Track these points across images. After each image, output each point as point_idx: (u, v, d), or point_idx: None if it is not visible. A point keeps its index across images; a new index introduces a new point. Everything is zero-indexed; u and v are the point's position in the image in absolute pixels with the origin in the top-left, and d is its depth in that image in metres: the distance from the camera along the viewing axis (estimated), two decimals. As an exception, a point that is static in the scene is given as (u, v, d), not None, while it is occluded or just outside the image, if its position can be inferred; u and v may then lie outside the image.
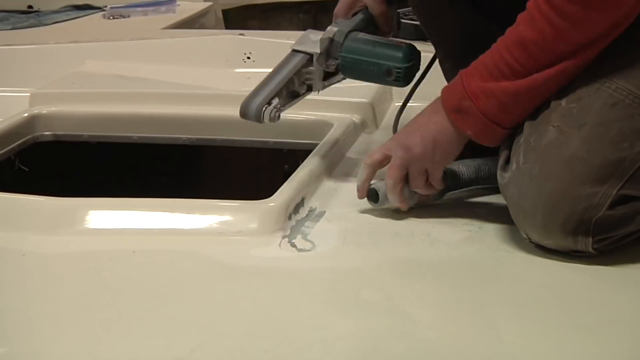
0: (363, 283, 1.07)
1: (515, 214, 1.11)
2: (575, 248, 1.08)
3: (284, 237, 1.17)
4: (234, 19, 2.95)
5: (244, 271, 1.10)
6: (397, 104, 1.58)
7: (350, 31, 1.31)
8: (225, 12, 2.89)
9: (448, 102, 1.15)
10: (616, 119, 1.05)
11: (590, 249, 1.07)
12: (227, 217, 1.20)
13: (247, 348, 0.92)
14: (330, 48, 1.30)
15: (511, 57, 1.08)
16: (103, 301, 1.02)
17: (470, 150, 1.22)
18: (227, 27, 2.82)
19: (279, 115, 1.27)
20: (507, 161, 1.14)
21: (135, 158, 1.85)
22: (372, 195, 1.24)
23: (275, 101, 1.27)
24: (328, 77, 1.33)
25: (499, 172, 1.15)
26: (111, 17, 2.60)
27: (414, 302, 1.02)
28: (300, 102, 1.66)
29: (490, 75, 1.10)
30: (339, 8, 1.36)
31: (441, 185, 1.22)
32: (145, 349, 0.93)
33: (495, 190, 1.21)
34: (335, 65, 1.31)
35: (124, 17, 2.61)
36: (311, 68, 1.32)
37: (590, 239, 1.06)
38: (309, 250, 1.15)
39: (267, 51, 2.00)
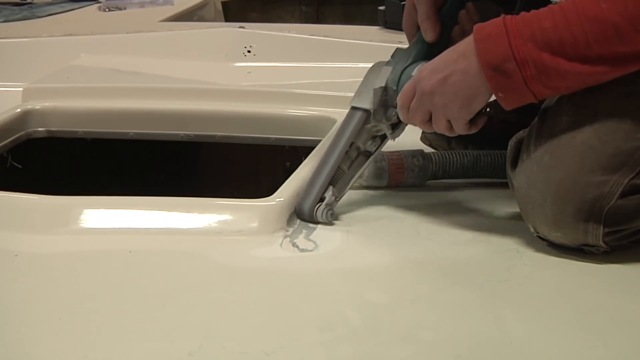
0: (367, 284, 1.07)
1: (524, 205, 1.11)
2: (585, 240, 1.08)
3: (285, 237, 1.17)
4: (234, 11, 2.95)
5: (244, 272, 1.11)
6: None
7: (405, 68, 1.20)
8: (225, 4, 2.90)
9: (486, 56, 1.05)
10: (630, 110, 1.06)
11: (601, 242, 1.08)
12: (226, 216, 1.20)
13: (248, 351, 0.92)
14: (386, 98, 1.21)
15: (582, 35, 0.99)
16: (98, 303, 1.02)
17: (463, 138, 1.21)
18: (226, 20, 2.82)
19: (332, 214, 1.21)
20: (517, 154, 1.14)
21: (131, 155, 1.86)
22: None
23: (329, 194, 1.21)
24: (397, 126, 1.23)
25: (508, 166, 1.15)
26: (107, 10, 2.61)
27: (420, 303, 1.03)
28: (301, 99, 1.67)
29: (547, 46, 1.01)
30: (405, 25, 1.27)
31: (466, 132, 1.13)
32: (142, 353, 0.93)
33: (502, 185, 1.21)
34: (396, 114, 1.20)
35: (120, 9, 2.61)
36: (374, 124, 1.23)
37: (601, 229, 1.06)
38: (311, 250, 1.15)
39: (268, 44, 2.01)
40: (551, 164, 1.08)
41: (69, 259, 1.15)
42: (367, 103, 1.22)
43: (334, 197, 1.22)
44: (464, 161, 1.33)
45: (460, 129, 1.13)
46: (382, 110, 1.21)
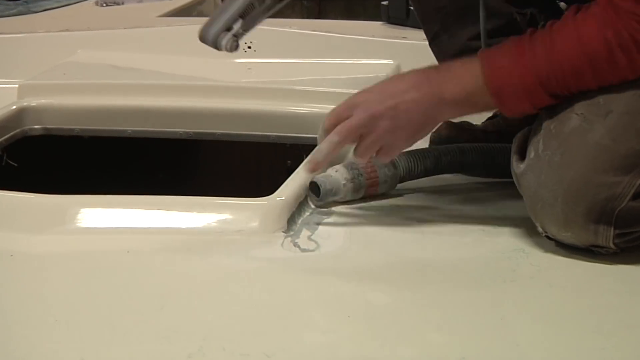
0: (370, 285, 1.07)
1: (533, 204, 1.11)
2: (595, 242, 1.08)
3: (286, 237, 1.17)
4: (234, 7, 2.95)
5: (245, 272, 1.11)
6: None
7: None
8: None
9: (513, 110, 1.12)
10: None
11: (611, 244, 1.08)
12: (226, 216, 1.20)
13: (248, 353, 0.92)
14: None
15: (565, 82, 1.08)
16: (95, 304, 1.03)
17: None
18: (226, 15, 2.82)
19: (237, 45, 1.21)
20: (522, 151, 1.14)
21: (129, 153, 1.86)
22: (314, 188, 1.25)
23: (238, 25, 1.20)
24: None
25: (513, 163, 1.15)
26: (104, 5, 2.61)
27: (423, 304, 1.03)
28: (302, 96, 1.67)
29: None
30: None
31: (387, 161, 1.21)
32: (140, 355, 0.93)
33: (506, 184, 1.21)
34: None
35: (117, 4, 2.61)
36: None
37: (612, 231, 1.07)
38: (312, 250, 1.15)
39: (269, 40, 2.00)
40: (562, 164, 1.08)
41: (65, 259, 1.15)
42: None
43: (241, 30, 1.20)
44: (426, 163, 1.32)
45: (389, 157, 1.19)
46: None
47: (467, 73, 1.12)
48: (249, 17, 1.22)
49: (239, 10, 1.21)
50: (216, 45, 1.20)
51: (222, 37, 1.20)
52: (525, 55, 1.08)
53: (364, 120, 1.14)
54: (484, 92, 1.10)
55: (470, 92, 1.11)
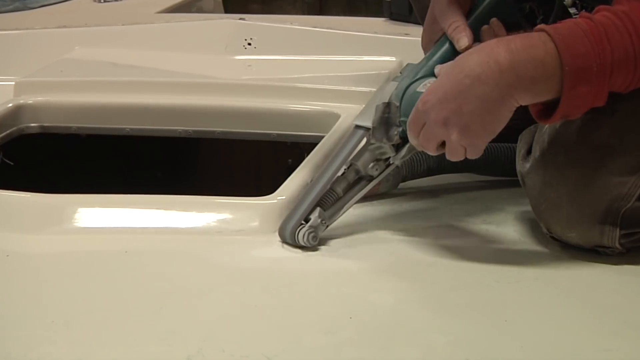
0: (371, 285, 1.07)
1: (537, 204, 1.12)
2: (600, 242, 1.08)
3: (287, 237, 1.18)
4: (234, 3, 2.95)
5: (245, 273, 1.11)
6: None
7: (410, 84, 1.13)
8: (225, -5, 2.89)
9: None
10: None
11: (617, 244, 1.08)
12: (226, 215, 1.20)
13: (249, 354, 0.92)
14: (388, 115, 1.14)
15: None
16: (93, 305, 1.03)
17: None
18: (226, 11, 2.82)
19: (315, 237, 1.13)
20: (529, 150, 1.14)
21: (128, 151, 1.86)
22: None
23: (315, 215, 1.14)
24: (401, 147, 1.15)
25: (519, 162, 1.16)
26: (102, 0, 2.61)
27: (425, 305, 1.03)
28: (303, 93, 1.67)
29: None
30: (424, 40, 1.23)
31: (478, 155, 1.07)
32: (139, 357, 0.93)
33: (510, 184, 1.21)
34: (397, 135, 1.13)
35: (115, 0, 2.61)
36: (377, 144, 1.15)
37: (617, 232, 1.07)
38: (314, 250, 1.15)
39: (269, 37, 2.00)
40: (567, 163, 1.08)
41: (62, 259, 1.15)
42: (368, 121, 1.16)
43: (320, 220, 1.15)
44: (429, 162, 1.32)
45: (478, 153, 1.07)
46: (383, 128, 1.14)
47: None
48: (332, 207, 1.17)
49: (315, 199, 1.16)
50: (294, 242, 1.14)
51: (299, 231, 1.14)
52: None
53: (434, 131, 1.05)
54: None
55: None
